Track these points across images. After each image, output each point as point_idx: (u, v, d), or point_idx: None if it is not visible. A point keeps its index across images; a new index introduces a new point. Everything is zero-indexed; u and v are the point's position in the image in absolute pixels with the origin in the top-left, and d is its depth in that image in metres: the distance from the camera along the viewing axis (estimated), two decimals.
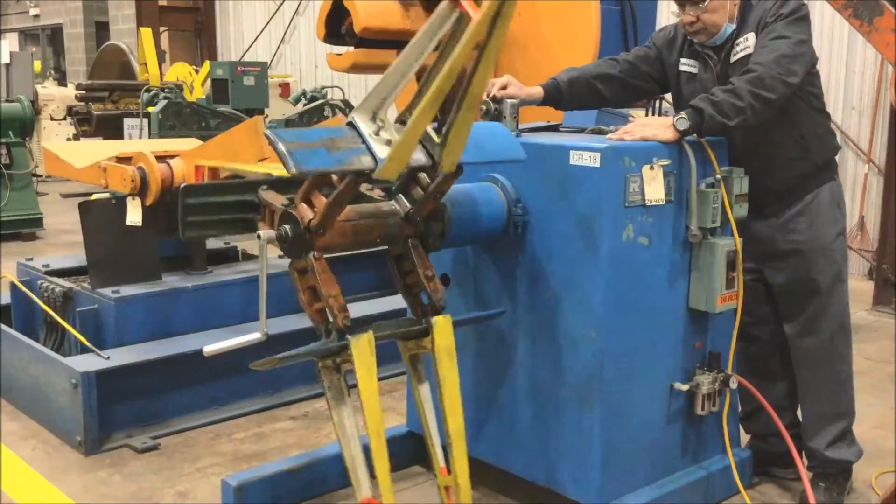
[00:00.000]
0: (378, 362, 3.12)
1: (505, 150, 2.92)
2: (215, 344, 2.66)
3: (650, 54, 3.41)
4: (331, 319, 2.56)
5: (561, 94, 3.37)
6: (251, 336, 2.63)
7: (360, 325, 2.67)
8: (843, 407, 3.38)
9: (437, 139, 2.51)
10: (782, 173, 3.24)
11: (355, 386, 2.58)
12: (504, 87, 3.24)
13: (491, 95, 3.20)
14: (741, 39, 3.16)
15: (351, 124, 2.48)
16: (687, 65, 3.31)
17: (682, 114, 2.97)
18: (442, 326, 2.70)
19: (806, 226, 3.26)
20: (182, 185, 2.53)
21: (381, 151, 2.43)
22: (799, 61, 3.01)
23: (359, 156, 2.42)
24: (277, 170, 2.65)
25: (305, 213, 2.52)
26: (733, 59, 3.18)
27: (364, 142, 2.44)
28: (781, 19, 3.05)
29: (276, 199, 2.59)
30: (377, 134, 2.46)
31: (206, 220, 2.60)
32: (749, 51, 3.13)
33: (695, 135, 3.01)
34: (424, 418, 2.82)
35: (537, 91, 3.34)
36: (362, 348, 2.55)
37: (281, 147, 2.31)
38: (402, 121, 2.52)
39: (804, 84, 3.11)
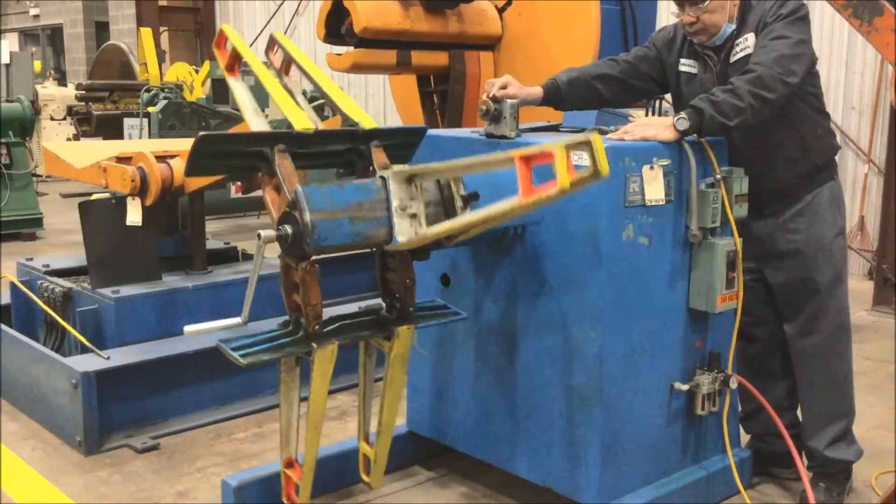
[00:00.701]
0: (378, 363, 3.13)
1: None
2: (196, 325, 2.66)
3: (650, 55, 3.41)
4: (303, 321, 2.62)
5: (560, 95, 3.37)
6: (232, 320, 2.65)
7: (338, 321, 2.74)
8: (842, 407, 3.38)
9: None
10: (782, 173, 3.25)
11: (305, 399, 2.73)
12: (503, 87, 3.24)
13: (490, 95, 3.20)
14: (741, 39, 3.16)
15: (384, 180, 2.53)
16: (686, 65, 3.31)
17: (683, 114, 2.97)
18: (403, 337, 2.79)
19: (805, 226, 3.26)
20: (201, 134, 2.54)
21: (401, 231, 2.49)
22: (799, 61, 3.01)
23: (378, 229, 2.50)
24: (298, 121, 2.67)
25: None
26: (733, 59, 3.18)
27: (388, 210, 2.50)
28: (781, 19, 3.05)
29: (290, 176, 2.56)
30: (403, 209, 2.50)
31: (215, 163, 2.61)
32: (749, 51, 3.13)
33: (695, 135, 3.01)
34: (362, 390, 3.03)
35: (536, 91, 3.34)
36: (324, 359, 2.64)
37: (307, 218, 2.39)
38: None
39: (804, 84, 3.11)
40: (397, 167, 2.55)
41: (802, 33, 3.05)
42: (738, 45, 3.17)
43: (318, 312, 2.59)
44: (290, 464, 2.91)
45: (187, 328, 2.66)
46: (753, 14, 3.15)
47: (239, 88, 2.96)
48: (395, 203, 2.48)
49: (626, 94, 3.46)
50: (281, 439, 2.90)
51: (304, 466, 2.87)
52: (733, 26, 3.17)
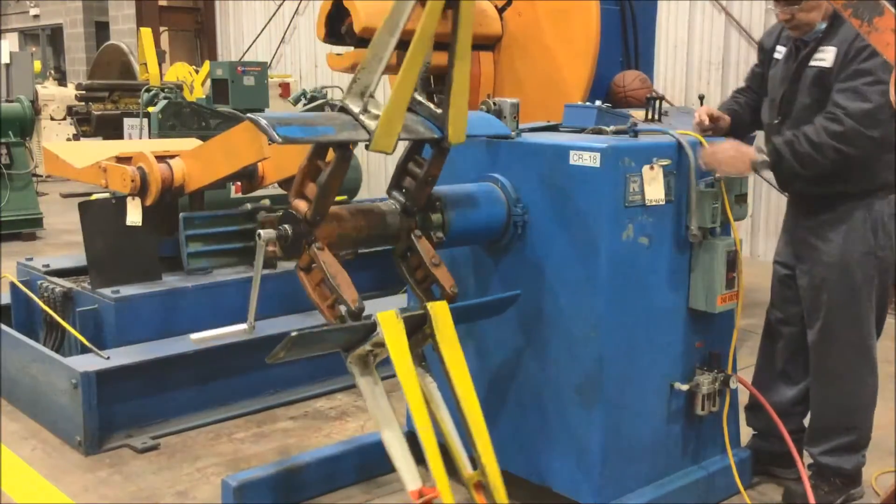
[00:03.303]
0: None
1: (491, 126, 3.00)
2: (202, 332, 2.65)
3: (756, 69, 3.50)
4: (342, 307, 2.52)
5: (742, 119, 3.47)
6: (238, 326, 2.63)
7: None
8: (849, 424, 3.32)
9: (438, 110, 2.57)
10: (813, 187, 3.18)
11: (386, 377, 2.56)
12: (716, 119, 3.33)
13: (706, 125, 3.28)
14: (822, 49, 3.09)
15: (343, 109, 2.52)
16: (779, 51, 3.32)
17: (765, 154, 3.02)
18: (439, 312, 2.58)
19: (831, 237, 3.18)
20: (182, 216, 2.52)
21: (372, 124, 2.48)
22: (886, 109, 2.91)
23: (350, 129, 2.48)
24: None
25: (300, 206, 2.52)
26: (810, 63, 3.13)
27: (355, 118, 2.49)
28: (877, 55, 2.77)
29: (274, 222, 2.58)
30: (366, 110, 2.50)
31: (209, 249, 2.58)
32: (825, 65, 3.06)
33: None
34: (440, 417, 2.68)
35: (727, 119, 3.41)
36: (390, 323, 2.48)
37: (263, 122, 2.30)
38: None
39: None
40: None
41: (887, 72, 2.86)
42: (819, 52, 3.10)
43: (352, 289, 2.51)
44: (420, 494, 2.47)
45: (193, 336, 2.65)
46: (847, 28, 3.02)
47: None
48: (357, 111, 2.50)
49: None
50: (400, 470, 2.48)
51: (436, 481, 2.42)
52: (826, 23, 3.11)
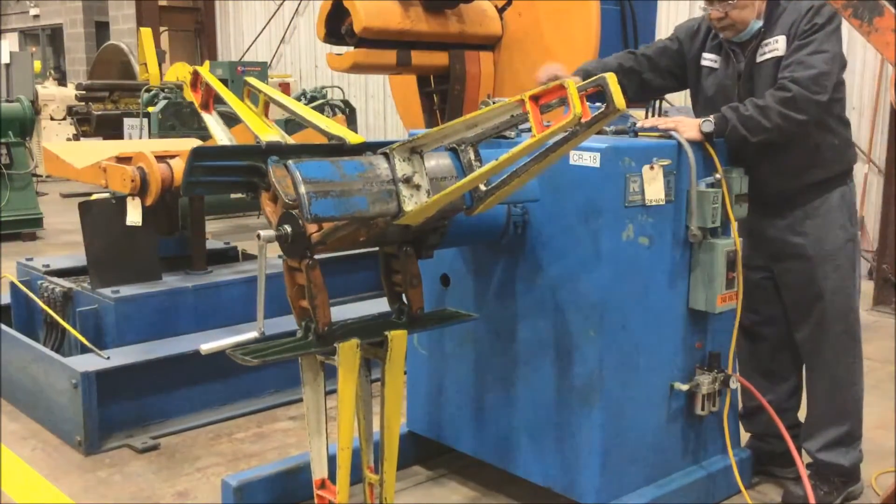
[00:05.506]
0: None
1: (524, 192, 2.88)
2: (212, 342, 2.66)
3: (671, 47, 3.39)
4: (312, 323, 2.58)
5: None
6: (248, 335, 2.63)
7: (349, 325, 2.70)
8: (842, 413, 3.33)
9: (483, 187, 2.47)
10: (792, 180, 3.21)
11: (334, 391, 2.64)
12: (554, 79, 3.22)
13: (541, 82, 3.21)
14: (770, 40, 3.12)
15: (387, 157, 2.46)
16: (708, 59, 3.29)
17: (711, 118, 3.01)
18: (397, 341, 2.66)
19: (812, 230, 3.21)
20: (193, 147, 2.47)
21: (408, 202, 2.41)
22: (831, 77, 3.00)
23: (384, 201, 2.39)
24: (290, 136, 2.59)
25: (310, 224, 2.51)
26: (760, 59, 3.15)
27: (394, 183, 2.42)
28: (818, 30, 3.00)
29: (286, 184, 2.47)
30: (408, 181, 2.43)
31: (211, 180, 2.54)
32: (777, 54, 3.09)
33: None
34: (361, 416, 2.85)
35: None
36: (348, 355, 2.57)
37: (302, 190, 2.28)
38: (451, 148, 2.53)
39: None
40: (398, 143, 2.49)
41: (837, 45, 3.02)
42: (765, 45, 3.13)
43: (327, 314, 2.55)
44: (322, 484, 2.78)
45: (203, 346, 2.66)
46: (786, 15, 3.10)
47: (214, 124, 2.91)
48: (400, 173, 2.41)
49: (642, 90, 3.45)
50: (312, 460, 2.79)
51: (337, 485, 2.71)
52: (761, 23, 3.14)
